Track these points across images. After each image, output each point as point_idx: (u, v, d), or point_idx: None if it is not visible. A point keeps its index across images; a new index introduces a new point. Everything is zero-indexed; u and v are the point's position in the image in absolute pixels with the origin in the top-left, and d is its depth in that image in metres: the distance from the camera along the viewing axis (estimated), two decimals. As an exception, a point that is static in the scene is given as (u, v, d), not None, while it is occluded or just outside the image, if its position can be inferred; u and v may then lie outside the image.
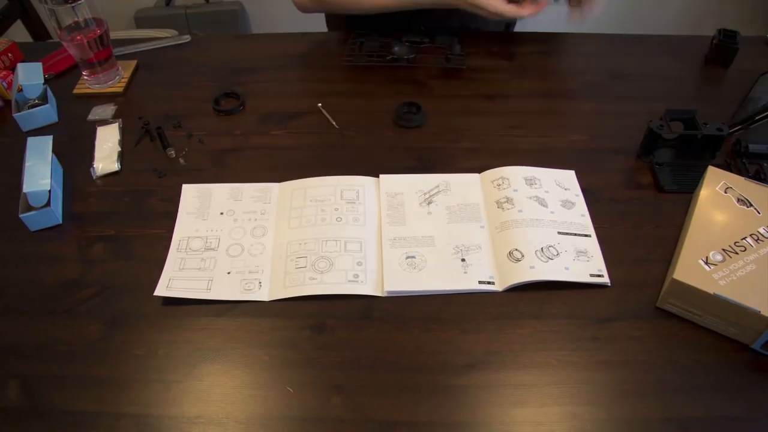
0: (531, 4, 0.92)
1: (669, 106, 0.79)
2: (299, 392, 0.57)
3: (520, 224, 0.70)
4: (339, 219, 0.72)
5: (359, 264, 0.67)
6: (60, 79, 0.97)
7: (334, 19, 1.22)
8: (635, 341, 0.61)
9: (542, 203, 0.73)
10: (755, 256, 0.61)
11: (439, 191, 0.76)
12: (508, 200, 0.73)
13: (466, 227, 0.71)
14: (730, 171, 0.73)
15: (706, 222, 0.66)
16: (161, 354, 0.61)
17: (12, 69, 0.96)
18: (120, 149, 0.83)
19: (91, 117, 0.90)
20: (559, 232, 0.70)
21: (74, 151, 0.83)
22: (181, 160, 0.82)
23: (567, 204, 0.73)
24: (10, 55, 0.99)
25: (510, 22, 1.18)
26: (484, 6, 0.91)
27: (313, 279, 0.66)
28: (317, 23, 1.22)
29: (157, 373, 0.59)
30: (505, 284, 0.65)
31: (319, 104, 0.89)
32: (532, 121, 0.87)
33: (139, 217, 0.75)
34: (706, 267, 0.60)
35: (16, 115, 0.86)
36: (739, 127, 0.82)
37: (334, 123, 0.86)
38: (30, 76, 0.88)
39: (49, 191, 0.72)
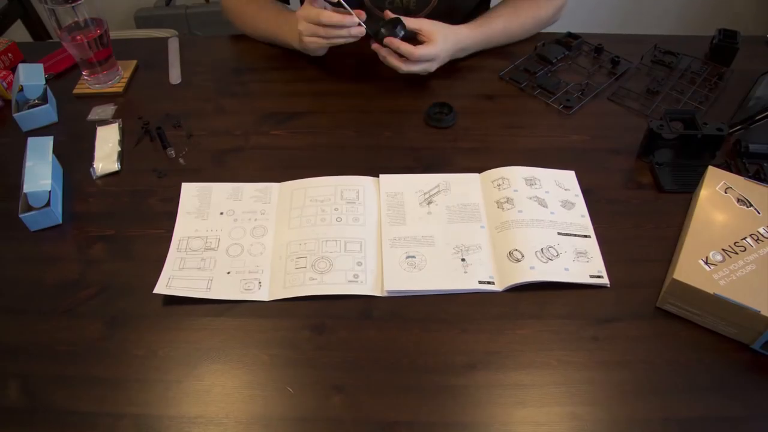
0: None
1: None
2: (299, 392, 0.57)
3: (520, 224, 0.70)
4: (339, 219, 0.72)
5: (359, 264, 0.67)
6: (60, 79, 0.97)
7: None
8: (635, 341, 0.61)
9: (542, 204, 0.73)
10: (755, 256, 0.61)
11: (439, 191, 0.76)
12: (508, 200, 0.73)
13: (466, 227, 0.71)
14: (730, 171, 0.73)
15: (706, 222, 0.66)
16: (161, 354, 0.61)
17: (12, 69, 0.96)
18: (120, 149, 0.83)
19: (91, 117, 0.89)
20: (559, 233, 0.69)
21: (74, 151, 0.83)
22: (181, 160, 0.82)
23: (567, 204, 0.73)
24: (10, 55, 0.99)
25: None
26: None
27: (313, 279, 0.66)
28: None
29: (157, 373, 0.59)
30: (505, 284, 0.65)
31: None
32: (532, 121, 0.87)
33: (139, 217, 0.75)
34: (706, 267, 0.60)
35: (16, 115, 0.86)
36: (739, 127, 0.82)
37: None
38: (31, 76, 0.88)
39: (50, 191, 0.72)
